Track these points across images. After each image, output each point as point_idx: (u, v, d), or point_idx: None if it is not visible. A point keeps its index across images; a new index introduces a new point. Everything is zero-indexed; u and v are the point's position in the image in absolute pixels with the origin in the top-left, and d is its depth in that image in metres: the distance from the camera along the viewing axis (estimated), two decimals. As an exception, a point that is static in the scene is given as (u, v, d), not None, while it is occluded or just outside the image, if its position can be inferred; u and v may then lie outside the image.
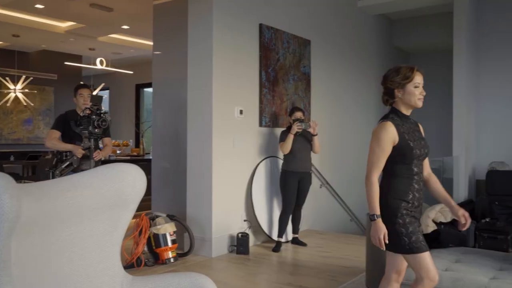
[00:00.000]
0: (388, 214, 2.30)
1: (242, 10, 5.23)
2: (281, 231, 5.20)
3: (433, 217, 4.51)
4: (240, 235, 4.98)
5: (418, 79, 2.35)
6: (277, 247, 5.14)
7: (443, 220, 4.64)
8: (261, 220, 5.33)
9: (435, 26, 8.24)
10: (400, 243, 2.29)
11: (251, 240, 5.27)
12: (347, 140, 7.29)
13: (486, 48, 7.32)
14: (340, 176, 6.94)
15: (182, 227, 4.86)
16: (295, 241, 5.41)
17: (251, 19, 5.36)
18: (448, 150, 7.06)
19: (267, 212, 5.42)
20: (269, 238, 5.40)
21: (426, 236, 3.82)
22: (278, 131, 5.52)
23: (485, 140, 7.25)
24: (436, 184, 2.55)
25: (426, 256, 2.29)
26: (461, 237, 4.16)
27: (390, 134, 2.31)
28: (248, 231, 5.16)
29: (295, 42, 6.00)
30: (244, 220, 5.21)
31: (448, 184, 6.69)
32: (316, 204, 6.23)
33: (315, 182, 5.95)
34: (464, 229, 2.40)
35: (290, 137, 5.08)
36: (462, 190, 6.86)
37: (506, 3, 7.23)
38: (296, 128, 5.07)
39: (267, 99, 5.54)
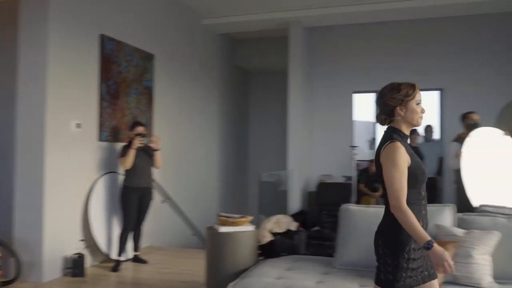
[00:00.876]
0: (396, 246, 2.09)
1: (81, 18, 4.98)
2: (121, 249, 5.02)
3: (269, 228, 4.76)
4: (75, 256, 4.68)
5: (419, 96, 2.18)
6: (116, 266, 4.94)
7: (279, 231, 4.92)
8: (99, 239, 5.08)
9: (273, 48, 8.82)
10: (396, 277, 2.09)
11: (88, 260, 4.98)
12: (191, 154, 7.37)
13: (317, 69, 8.06)
14: (183, 190, 6.96)
15: (8, 251, 4.40)
16: (136, 259, 5.27)
17: (91, 28, 5.13)
18: (283, 164, 7.57)
19: (106, 230, 5.19)
20: (108, 258, 5.17)
21: (263, 246, 4.04)
22: (119, 145, 5.35)
23: (316, 155, 7.93)
24: None
25: None
26: (294, 246, 4.47)
27: (404, 155, 2.08)
28: (85, 251, 4.87)
29: (138, 55, 5.90)
30: (80, 240, 4.91)
31: (283, 196, 7.16)
32: (158, 220, 6.15)
33: (157, 197, 5.88)
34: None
35: (131, 152, 4.96)
36: (296, 202, 7.39)
37: (333, 30, 8.06)
38: (137, 142, 4.98)
39: (107, 112, 5.34)
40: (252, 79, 10.09)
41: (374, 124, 9.80)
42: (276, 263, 3.44)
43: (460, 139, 5.19)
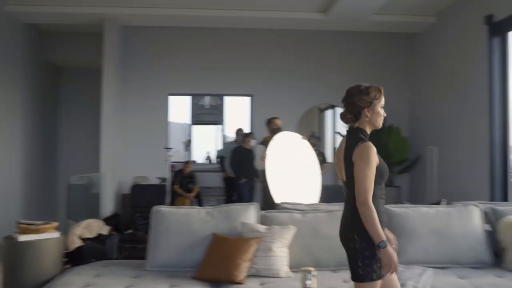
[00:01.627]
0: (372, 239, 2.20)
1: None
2: None
3: (78, 234, 4.55)
4: None
5: (383, 100, 2.34)
6: None
7: (89, 236, 4.74)
8: None
9: (89, 45, 8.33)
10: (373, 269, 2.22)
11: None
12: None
13: (133, 70, 7.93)
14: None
15: None
16: None
17: None
18: (95, 166, 7.26)
19: None
20: None
21: (70, 253, 3.83)
22: None
23: (131, 156, 7.78)
24: None
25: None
26: (104, 251, 4.34)
27: (375, 155, 2.24)
28: None
29: None
30: None
31: (95, 199, 6.88)
32: None
33: None
34: None
35: None
36: (109, 204, 7.16)
37: (150, 31, 8.02)
38: None
39: None
40: (65, 76, 9.43)
41: (189, 126, 10.04)
42: (84, 270, 3.30)
43: (265, 143, 5.64)
